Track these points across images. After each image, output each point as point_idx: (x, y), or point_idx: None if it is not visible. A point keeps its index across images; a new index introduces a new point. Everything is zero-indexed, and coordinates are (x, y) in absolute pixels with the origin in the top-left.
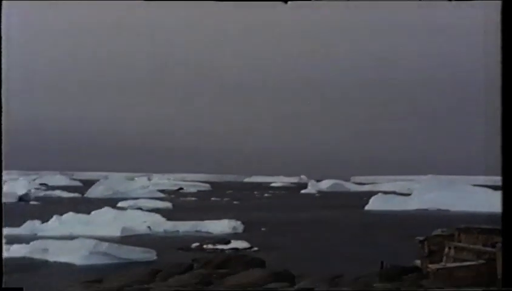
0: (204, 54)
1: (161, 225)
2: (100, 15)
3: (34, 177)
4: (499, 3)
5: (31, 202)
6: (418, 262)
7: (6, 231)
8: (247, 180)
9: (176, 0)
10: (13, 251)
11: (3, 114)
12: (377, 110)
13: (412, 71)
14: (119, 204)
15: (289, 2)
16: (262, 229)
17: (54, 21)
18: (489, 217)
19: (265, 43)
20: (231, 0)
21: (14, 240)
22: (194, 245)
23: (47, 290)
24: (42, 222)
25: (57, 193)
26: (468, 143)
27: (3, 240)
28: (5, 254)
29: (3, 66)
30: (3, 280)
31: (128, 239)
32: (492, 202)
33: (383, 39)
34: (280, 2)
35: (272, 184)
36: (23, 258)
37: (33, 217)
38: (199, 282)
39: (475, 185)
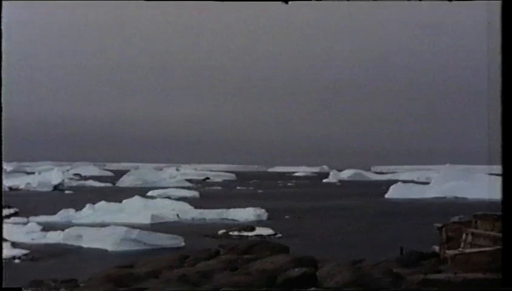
0: (219, 53)
1: (189, 213)
2: (102, 14)
3: (67, 167)
4: (499, 3)
5: (66, 192)
6: (436, 247)
7: (42, 218)
8: (270, 170)
9: (176, 0)
10: (48, 237)
11: (4, 112)
12: (391, 104)
13: (417, 69)
14: (149, 193)
15: (290, 2)
16: (286, 217)
17: (54, 21)
18: None
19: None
20: (231, 0)
21: (49, 227)
22: (220, 232)
23: (81, 275)
24: (76, 210)
25: (90, 182)
26: (483, 134)
27: (40, 227)
28: (41, 241)
29: (5, 66)
30: (3, 280)
31: (158, 226)
32: None
33: (389, 37)
34: (280, 2)
35: (295, 174)
36: (58, 244)
37: (67, 206)
38: (226, 267)
39: (491, 174)
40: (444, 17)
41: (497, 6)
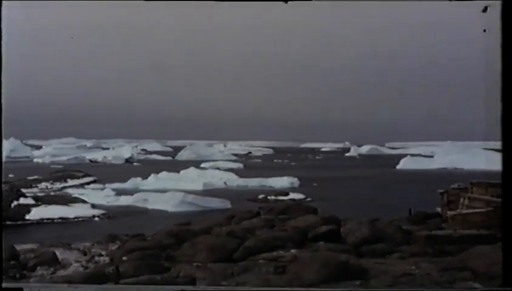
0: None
1: (234, 181)
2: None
3: (136, 144)
4: (499, 3)
5: (134, 164)
6: (439, 209)
7: (116, 185)
8: (302, 145)
9: (176, 0)
10: (121, 201)
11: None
12: (399, 91)
13: (419, 63)
14: (202, 165)
15: (289, 2)
16: (314, 184)
17: (55, 20)
18: (495, 174)
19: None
20: (231, 0)
21: (121, 192)
22: (260, 196)
23: (147, 230)
24: (143, 179)
25: (154, 156)
26: (480, 113)
27: (114, 192)
28: (114, 203)
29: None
30: (3, 280)
31: (209, 192)
32: (499, 162)
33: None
34: (280, 2)
35: (322, 149)
36: (129, 206)
37: (136, 175)
38: (265, 225)
39: (485, 149)
40: (444, 16)
41: (496, 7)
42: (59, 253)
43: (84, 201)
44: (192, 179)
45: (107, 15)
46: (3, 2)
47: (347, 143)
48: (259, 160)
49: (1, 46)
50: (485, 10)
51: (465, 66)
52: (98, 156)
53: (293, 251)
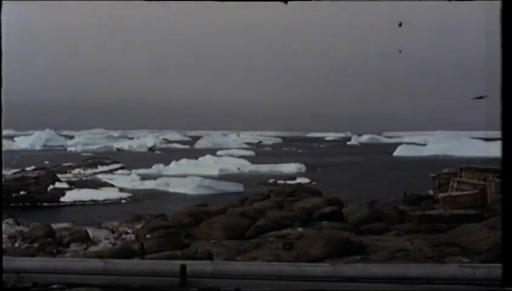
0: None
1: (247, 167)
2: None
3: (158, 134)
4: (499, 3)
5: (157, 152)
6: (431, 191)
7: (141, 171)
8: (308, 135)
9: (175, 0)
10: (145, 185)
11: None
12: (395, 86)
13: (416, 58)
14: (218, 153)
15: (289, 2)
16: (319, 169)
17: (56, 20)
18: (482, 160)
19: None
20: (231, 0)
21: (146, 177)
22: (270, 180)
23: (169, 211)
24: (165, 165)
25: (174, 145)
26: (469, 106)
27: (139, 177)
28: (139, 187)
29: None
30: (3, 280)
31: (224, 177)
32: (484, 150)
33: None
34: (280, 2)
35: (326, 138)
36: (152, 190)
37: (158, 162)
38: (275, 206)
39: (473, 138)
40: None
41: (496, 6)
42: (91, 231)
43: (112, 185)
44: (208, 165)
45: (132, 12)
46: (3, 2)
47: (348, 133)
48: (269, 148)
49: (1, 45)
50: (400, 24)
51: (461, 64)
52: (124, 145)
53: (300, 229)
